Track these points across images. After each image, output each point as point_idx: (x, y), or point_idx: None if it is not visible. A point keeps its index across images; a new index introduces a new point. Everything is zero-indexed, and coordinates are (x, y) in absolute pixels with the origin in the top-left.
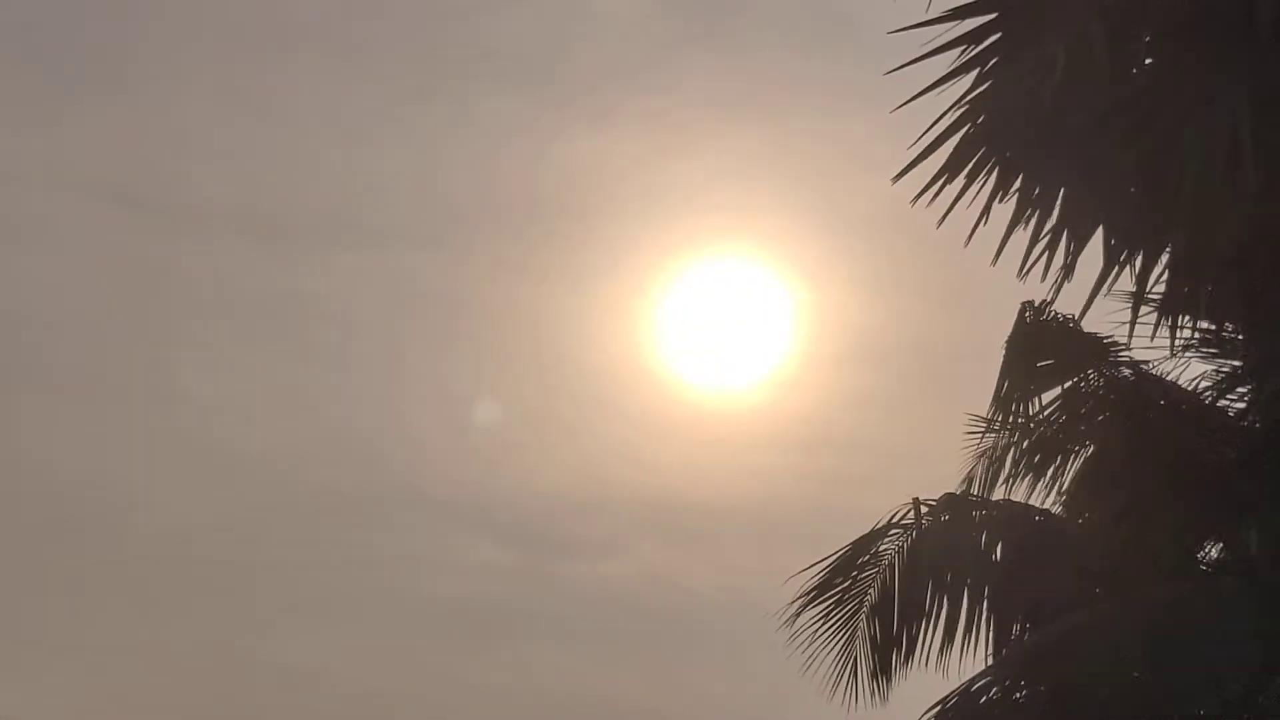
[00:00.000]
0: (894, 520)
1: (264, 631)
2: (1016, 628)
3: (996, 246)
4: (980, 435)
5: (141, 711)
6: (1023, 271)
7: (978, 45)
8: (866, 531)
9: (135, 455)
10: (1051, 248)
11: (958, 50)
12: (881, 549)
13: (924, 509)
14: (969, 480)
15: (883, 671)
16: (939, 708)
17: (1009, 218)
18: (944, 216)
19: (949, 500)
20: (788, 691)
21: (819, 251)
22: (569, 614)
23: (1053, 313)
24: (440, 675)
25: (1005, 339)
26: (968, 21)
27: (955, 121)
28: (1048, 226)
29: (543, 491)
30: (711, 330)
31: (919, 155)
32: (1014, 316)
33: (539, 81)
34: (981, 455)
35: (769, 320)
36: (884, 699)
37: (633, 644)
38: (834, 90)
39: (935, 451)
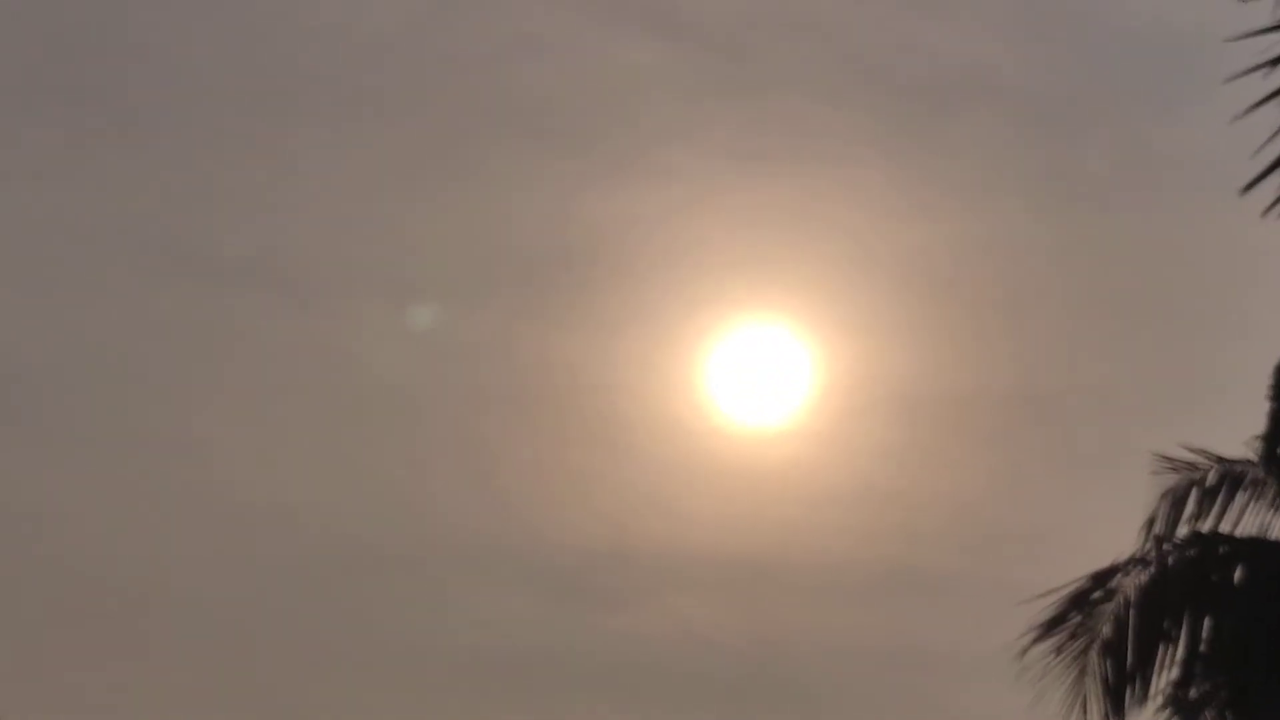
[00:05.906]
0: (1133, 556)
1: (297, 687)
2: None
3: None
4: (1163, 473)
5: None
6: None
7: None
8: (1101, 568)
9: (155, 508)
10: None
11: None
12: (1118, 584)
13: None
14: (1151, 520)
15: (1115, 711)
16: None
17: None
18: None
19: (1195, 537)
20: None
21: (844, 301)
22: (605, 667)
23: None
24: None
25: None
26: None
27: None
28: None
29: (576, 543)
30: (740, 381)
31: (1272, 164)
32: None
33: (563, 135)
34: (1165, 494)
35: (797, 371)
36: None
37: (669, 699)
38: (852, 138)
39: (972, 501)
